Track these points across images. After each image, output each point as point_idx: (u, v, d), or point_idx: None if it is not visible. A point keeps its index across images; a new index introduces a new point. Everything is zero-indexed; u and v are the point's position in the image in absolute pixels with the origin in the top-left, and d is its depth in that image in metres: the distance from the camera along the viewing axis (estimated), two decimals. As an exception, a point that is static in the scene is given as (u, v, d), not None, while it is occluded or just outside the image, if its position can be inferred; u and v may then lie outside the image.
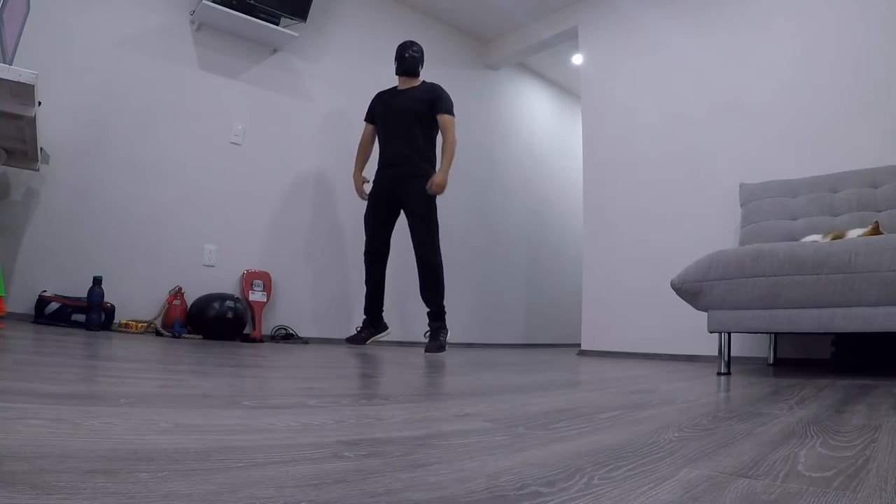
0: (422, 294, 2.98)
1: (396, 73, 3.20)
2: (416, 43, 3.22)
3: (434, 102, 3.05)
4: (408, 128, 3.06)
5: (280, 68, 3.51)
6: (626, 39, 3.79)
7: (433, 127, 3.10)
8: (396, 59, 3.18)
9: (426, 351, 2.81)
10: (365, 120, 3.31)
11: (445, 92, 3.11)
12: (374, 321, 3.16)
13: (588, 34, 4.02)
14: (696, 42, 3.42)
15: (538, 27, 4.34)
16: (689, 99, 3.40)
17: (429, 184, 2.98)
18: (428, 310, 2.99)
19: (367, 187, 3.26)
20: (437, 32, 4.40)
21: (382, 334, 3.19)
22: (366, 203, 3.22)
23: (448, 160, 2.99)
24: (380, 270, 3.14)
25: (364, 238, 3.18)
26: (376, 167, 3.20)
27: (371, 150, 3.30)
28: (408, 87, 3.17)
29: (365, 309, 3.17)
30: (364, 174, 3.31)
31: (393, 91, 3.22)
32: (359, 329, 3.18)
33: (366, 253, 3.14)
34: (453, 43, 4.53)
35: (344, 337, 3.54)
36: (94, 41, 2.80)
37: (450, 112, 3.06)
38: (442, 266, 2.98)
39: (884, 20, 2.70)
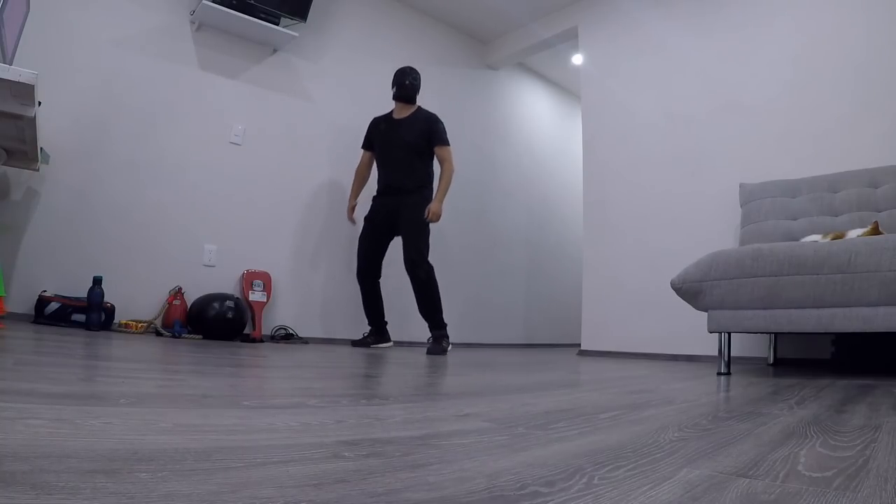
0: (420, 312, 3.04)
1: (394, 98, 3.24)
2: (416, 70, 3.27)
3: (430, 135, 3.13)
4: (406, 159, 3.15)
5: (280, 68, 3.51)
6: (625, 39, 3.79)
7: (430, 157, 3.20)
8: (395, 84, 3.23)
9: (428, 353, 2.84)
10: (362, 147, 3.38)
11: (441, 123, 3.18)
12: (378, 332, 3.26)
13: (588, 34, 4.02)
14: (696, 42, 3.42)
15: (538, 27, 4.34)
16: (689, 99, 3.40)
17: (426, 212, 3.06)
18: (428, 324, 3.04)
19: (358, 212, 3.36)
20: (437, 32, 4.40)
21: (385, 345, 3.27)
22: (359, 223, 3.31)
23: (444, 189, 3.10)
24: (374, 290, 3.22)
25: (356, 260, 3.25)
26: (375, 192, 3.27)
27: (368, 175, 3.39)
28: (404, 114, 3.21)
29: (368, 322, 3.26)
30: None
31: (389, 119, 3.26)
32: (365, 335, 3.27)
33: (358, 275, 3.22)
34: (453, 43, 4.53)
35: (343, 337, 3.56)
36: (94, 41, 2.80)
37: (446, 143, 3.15)
38: (435, 282, 3.03)
39: (884, 20, 2.70)
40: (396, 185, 3.15)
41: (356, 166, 3.41)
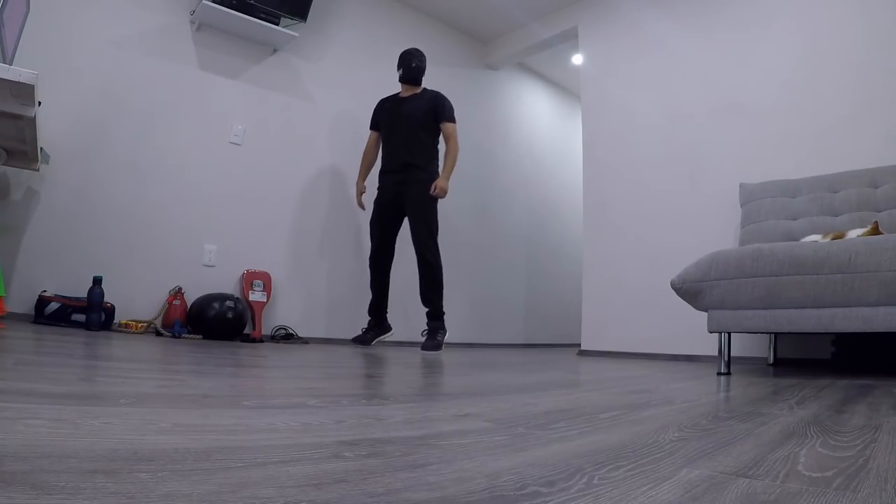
0: (421, 295, 3.03)
1: (400, 81, 3.25)
2: (421, 51, 3.26)
3: (437, 111, 3.13)
4: (411, 135, 3.12)
5: (280, 68, 3.51)
6: (626, 39, 3.79)
7: (436, 134, 3.18)
8: (401, 66, 3.22)
9: (422, 349, 2.84)
10: (370, 128, 3.38)
11: (448, 100, 3.18)
12: (378, 322, 3.23)
13: (588, 34, 4.02)
14: (696, 42, 3.42)
15: (538, 27, 4.34)
16: (689, 99, 3.40)
17: (432, 187, 3.06)
18: (426, 310, 3.03)
19: (366, 197, 3.33)
20: (437, 32, 4.40)
21: (387, 335, 3.26)
22: (368, 207, 3.29)
23: (450, 166, 3.10)
24: (384, 275, 3.21)
25: (370, 243, 3.25)
26: (379, 173, 3.26)
27: (375, 157, 3.36)
28: (410, 94, 3.22)
29: (369, 311, 3.23)
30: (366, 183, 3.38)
31: (395, 98, 3.27)
32: (364, 330, 3.25)
33: (371, 258, 3.21)
34: (453, 43, 4.53)
35: (343, 337, 3.55)
36: (94, 41, 2.80)
37: (452, 120, 3.15)
38: (441, 268, 3.03)
39: (884, 20, 2.70)
40: (401, 161, 3.13)
41: (363, 149, 3.40)
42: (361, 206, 3.34)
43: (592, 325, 3.69)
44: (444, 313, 3.06)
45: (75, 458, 0.45)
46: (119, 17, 2.89)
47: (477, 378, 1.61)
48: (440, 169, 3.17)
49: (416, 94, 3.21)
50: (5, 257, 2.47)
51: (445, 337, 3.03)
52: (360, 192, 3.35)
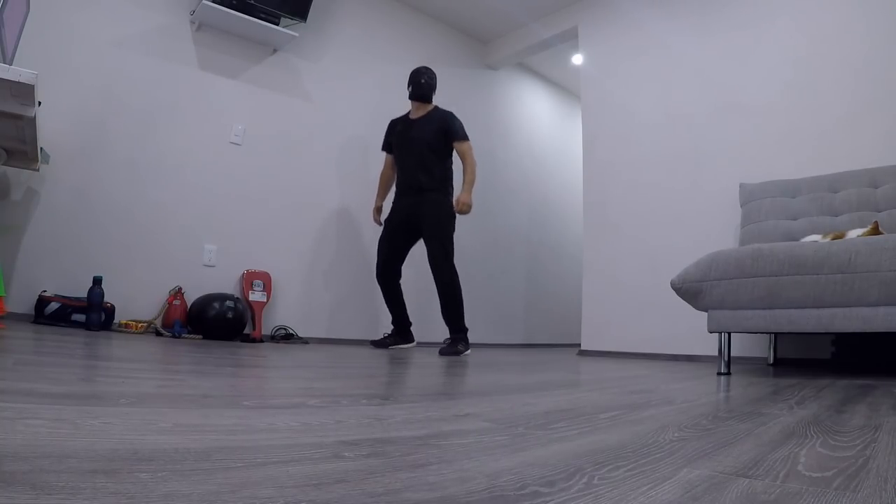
0: (442, 314, 3.01)
1: (410, 98, 3.23)
2: (431, 70, 3.25)
3: (448, 132, 3.11)
4: (423, 158, 3.11)
5: (280, 68, 3.51)
6: (625, 39, 3.79)
7: (448, 155, 3.16)
8: (411, 84, 3.21)
9: (440, 353, 2.83)
10: (383, 149, 3.38)
11: (458, 119, 3.16)
12: (400, 332, 3.23)
13: (588, 34, 4.02)
14: (696, 42, 3.42)
15: (538, 27, 4.34)
16: (689, 99, 3.40)
17: (455, 203, 3.05)
18: (448, 328, 3.02)
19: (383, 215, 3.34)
20: (437, 32, 4.40)
21: (408, 345, 3.25)
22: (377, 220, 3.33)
23: (470, 180, 3.07)
24: (394, 291, 3.19)
25: (375, 257, 3.24)
26: (394, 196, 3.25)
27: (392, 177, 3.36)
28: (420, 114, 3.20)
29: (392, 322, 3.24)
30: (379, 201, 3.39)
31: (406, 120, 3.25)
32: (386, 335, 3.25)
33: (377, 276, 3.21)
34: (453, 43, 4.53)
35: (344, 336, 3.56)
36: (94, 41, 2.80)
37: (465, 138, 3.12)
38: (459, 286, 3.00)
39: (884, 20, 2.70)
40: (414, 185, 3.12)
41: (380, 170, 3.41)
42: (378, 221, 3.35)
43: (592, 325, 3.69)
44: (466, 329, 3.03)
45: (75, 458, 0.45)
46: (119, 17, 2.89)
47: (477, 378, 1.61)
48: (451, 189, 3.14)
49: (425, 115, 3.18)
50: (5, 257, 2.47)
51: (467, 353, 2.97)
52: (377, 208, 3.37)
